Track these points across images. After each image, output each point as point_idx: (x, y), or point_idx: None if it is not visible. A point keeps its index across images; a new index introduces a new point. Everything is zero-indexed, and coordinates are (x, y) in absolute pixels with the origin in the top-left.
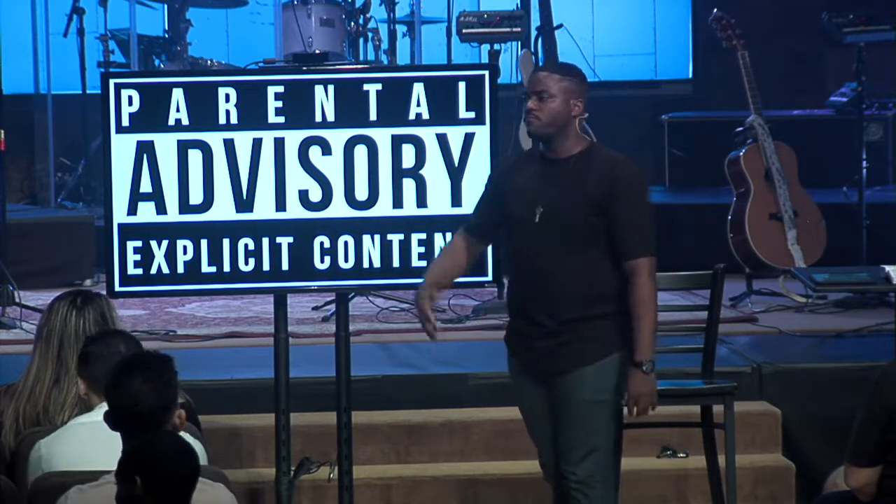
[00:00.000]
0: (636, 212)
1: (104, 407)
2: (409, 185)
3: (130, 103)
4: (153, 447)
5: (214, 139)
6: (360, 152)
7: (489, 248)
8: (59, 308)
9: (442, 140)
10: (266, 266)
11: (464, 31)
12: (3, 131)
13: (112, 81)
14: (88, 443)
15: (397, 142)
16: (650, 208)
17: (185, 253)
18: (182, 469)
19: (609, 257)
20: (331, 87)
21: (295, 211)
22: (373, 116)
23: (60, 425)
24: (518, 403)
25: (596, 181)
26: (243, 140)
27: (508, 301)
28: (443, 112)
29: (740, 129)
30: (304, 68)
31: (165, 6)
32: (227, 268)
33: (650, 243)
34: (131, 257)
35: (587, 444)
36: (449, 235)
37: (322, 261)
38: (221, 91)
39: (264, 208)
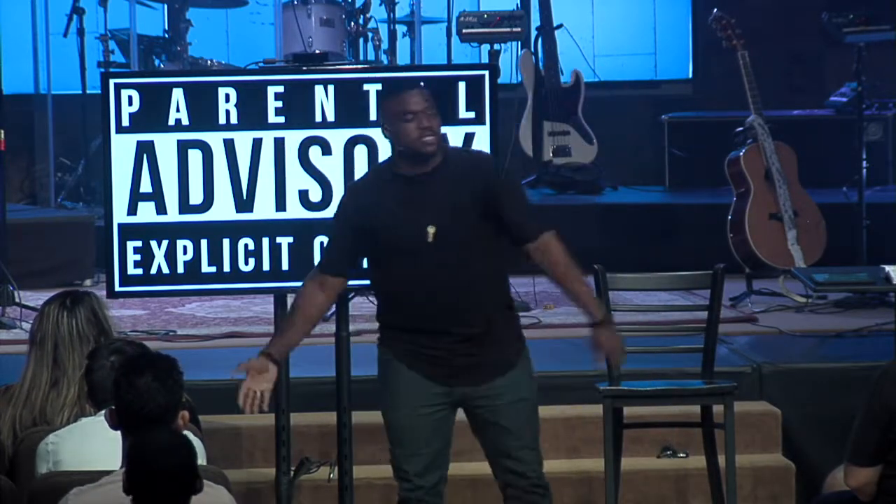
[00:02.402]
0: (519, 196)
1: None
2: None
3: (130, 103)
4: (150, 444)
5: (214, 139)
6: (360, 152)
7: None
8: (49, 311)
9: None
10: (266, 266)
11: (464, 31)
12: (3, 131)
13: (112, 81)
14: (98, 440)
15: None
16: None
17: (185, 253)
18: (178, 466)
19: (499, 255)
20: (331, 87)
21: (295, 211)
22: (373, 116)
23: (60, 425)
24: (402, 410)
25: (470, 187)
26: (243, 140)
27: (392, 323)
28: (443, 112)
29: (740, 129)
30: (304, 68)
31: (165, 6)
32: (227, 268)
33: (542, 220)
34: (131, 257)
35: (536, 445)
36: None
37: None
38: (221, 91)
39: (264, 208)
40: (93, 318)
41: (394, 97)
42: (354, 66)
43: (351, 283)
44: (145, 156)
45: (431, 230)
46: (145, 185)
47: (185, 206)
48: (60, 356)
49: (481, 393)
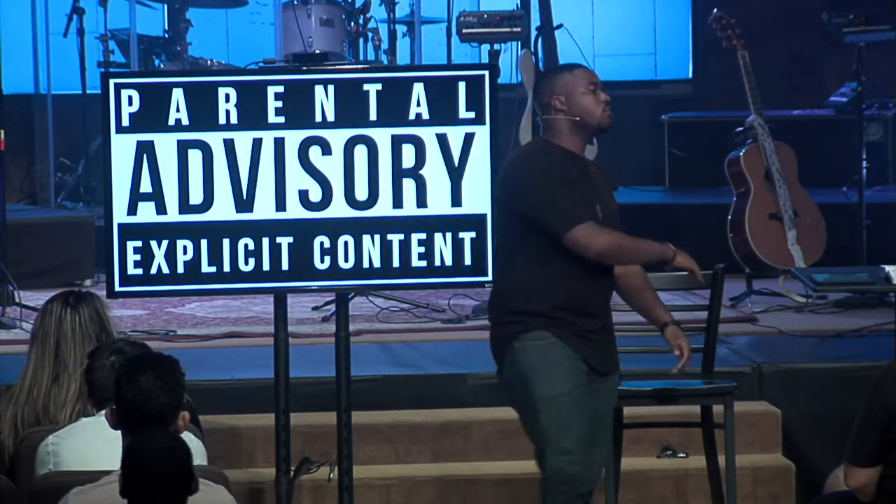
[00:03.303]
0: None
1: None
2: (409, 185)
3: (130, 103)
4: (145, 446)
5: (214, 139)
6: (360, 152)
7: (489, 248)
8: (52, 308)
9: (442, 140)
10: (266, 266)
11: (464, 31)
12: (3, 131)
13: (112, 81)
14: (98, 440)
15: (397, 142)
16: None
17: (185, 253)
18: (174, 469)
19: None
20: (331, 87)
21: (295, 211)
22: (373, 116)
23: (63, 422)
24: (564, 387)
25: (602, 177)
26: (243, 140)
27: (561, 301)
28: (443, 112)
29: (740, 129)
30: (304, 68)
31: (165, 6)
32: (227, 268)
33: None
34: (131, 257)
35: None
36: (449, 235)
37: (322, 261)
38: (221, 91)
39: (264, 208)
40: (95, 316)
41: (575, 69)
42: (354, 66)
43: (351, 283)
44: (145, 156)
45: (599, 209)
46: (145, 185)
47: (185, 206)
48: (62, 352)
49: (603, 384)
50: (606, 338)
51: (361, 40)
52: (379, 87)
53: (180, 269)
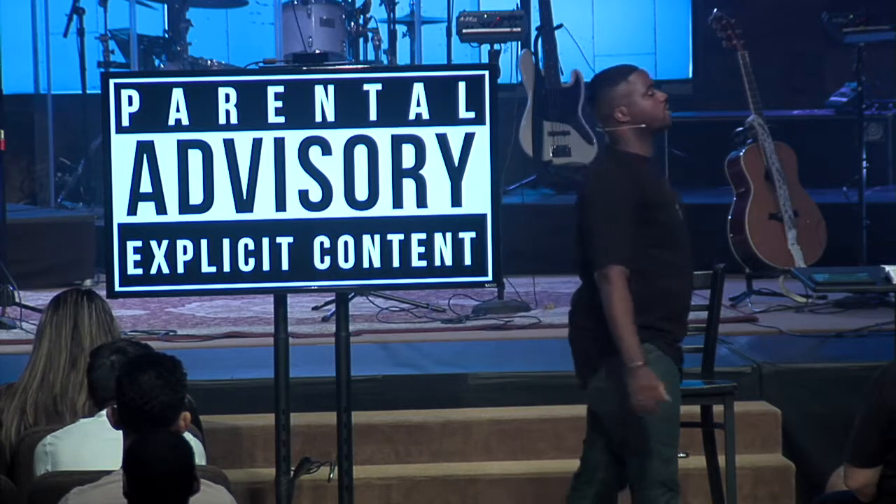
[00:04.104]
0: None
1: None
2: (409, 185)
3: (130, 103)
4: (147, 445)
5: (214, 139)
6: (360, 152)
7: (489, 248)
8: (67, 297)
9: (442, 140)
10: (266, 266)
11: (464, 31)
12: (3, 131)
13: (112, 81)
14: (96, 441)
15: (397, 142)
16: None
17: (185, 253)
18: (176, 469)
19: None
20: (331, 87)
21: (295, 211)
22: (373, 116)
23: (81, 406)
24: (677, 411)
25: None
26: (243, 140)
27: (670, 309)
28: (443, 112)
29: (740, 129)
30: (304, 68)
31: (165, 6)
32: (227, 268)
33: None
34: (131, 257)
35: None
36: (449, 235)
37: (322, 261)
38: (221, 91)
39: (264, 208)
40: (108, 308)
41: (629, 75)
42: (354, 66)
43: (351, 283)
44: (145, 156)
45: (679, 210)
46: (145, 185)
47: (185, 206)
48: (80, 335)
49: None
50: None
51: (361, 40)
52: (379, 87)
53: (180, 269)
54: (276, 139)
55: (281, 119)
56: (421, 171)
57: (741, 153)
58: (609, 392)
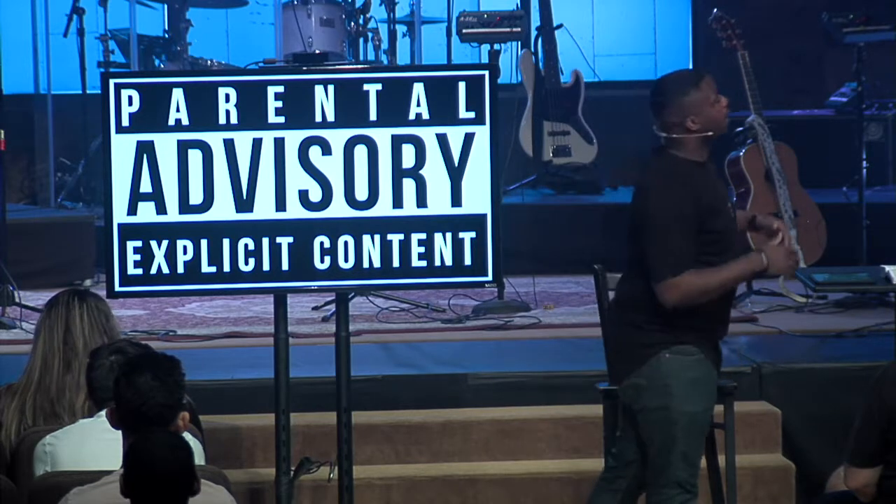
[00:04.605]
0: None
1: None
2: (409, 185)
3: (130, 103)
4: (147, 445)
5: (214, 139)
6: (360, 152)
7: (489, 248)
8: (60, 300)
9: (442, 140)
10: (266, 266)
11: (464, 31)
12: (3, 131)
13: (112, 81)
14: (96, 441)
15: (397, 142)
16: None
17: (185, 253)
18: (176, 469)
19: None
20: (331, 87)
21: (295, 211)
22: (373, 116)
23: (80, 406)
24: (708, 417)
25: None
26: (243, 140)
27: (720, 311)
28: (443, 112)
29: (740, 129)
30: (304, 68)
31: (165, 6)
32: (227, 268)
33: None
34: (131, 257)
35: None
36: (449, 235)
37: (322, 261)
38: (221, 91)
39: (264, 208)
40: (102, 308)
41: (700, 82)
42: (354, 66)
43: (351, 283)
44: (145, 156)
45: (734, 216)
46: (145, 185)
47: (185, 207)
48: (72, 339)
49: None
50: None
51: (361, 40)
52: (379, 87)
53: (180, 269)
54: (276, 139)
55: (281, 119)
56: (421, 171)
57: (741, 153)
58: (647, 390)
